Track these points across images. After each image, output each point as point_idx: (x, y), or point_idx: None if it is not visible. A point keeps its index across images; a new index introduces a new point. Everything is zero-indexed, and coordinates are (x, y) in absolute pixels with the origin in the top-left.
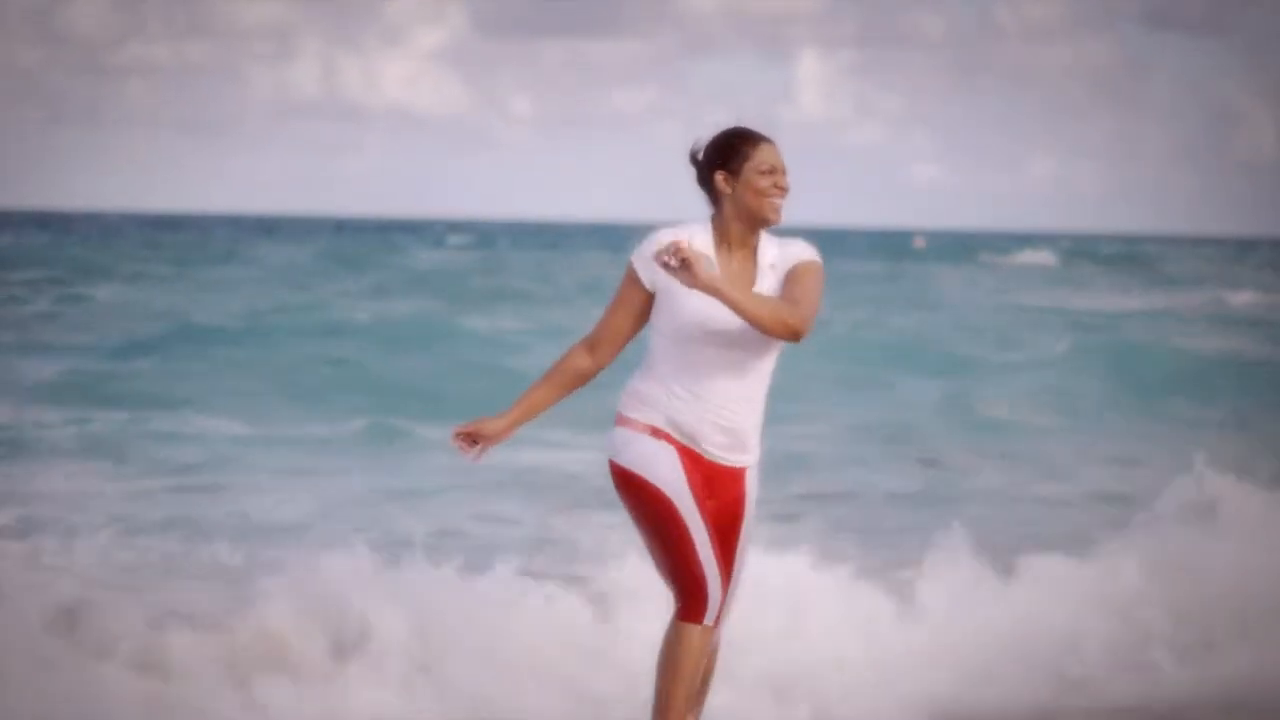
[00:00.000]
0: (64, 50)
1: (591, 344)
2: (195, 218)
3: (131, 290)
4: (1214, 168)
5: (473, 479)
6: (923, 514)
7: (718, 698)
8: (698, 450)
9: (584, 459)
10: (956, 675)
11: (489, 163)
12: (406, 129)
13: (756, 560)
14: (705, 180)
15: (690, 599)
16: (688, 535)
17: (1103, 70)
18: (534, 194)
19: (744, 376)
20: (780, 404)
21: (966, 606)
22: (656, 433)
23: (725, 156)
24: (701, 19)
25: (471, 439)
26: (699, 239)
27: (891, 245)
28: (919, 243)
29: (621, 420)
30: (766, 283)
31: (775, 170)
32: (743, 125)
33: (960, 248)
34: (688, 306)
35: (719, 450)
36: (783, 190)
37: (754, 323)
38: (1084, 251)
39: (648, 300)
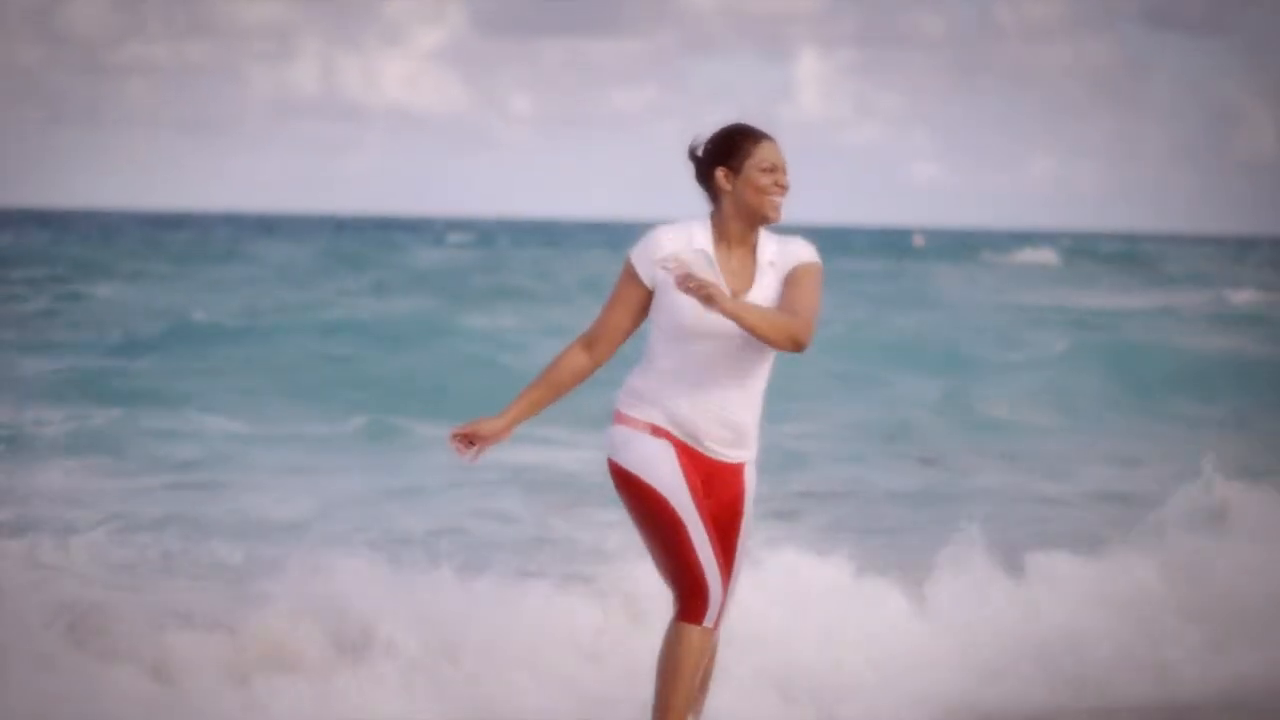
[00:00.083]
0: (64, 50)
1: (589, 341)
2: (195, 216)
3: (131, 288)
4: (1214, 167)
5: (472, 477)
6: (923, 513)
7: (718, 698)
8: (697, 447)
9: (583, 457)
10: (966, 674)
11: (489, 161)
12: (406, 128)
13: (756, 558)
14: (705, 176)
15: (690, 600)
16: (687, 536)
17: (1103, 70)
18: (534, 192)
19: (743, 372)
20: (780, 402)
21: (976, 605)
22: (656, 430)
23: (726, 153)
24: (701, 18)
25: (468, 440)
26: (698, 236)
27: (891, 244)
28: (919, 241)
29: (620, 418)
30: (765, 280)
31: (776, 168)
32: (744, 122)
33: (960, 246)
34: (687, 304)
35: (719, 446)
36: (783, 188)
37: (760, 338)
38: (1084, 250)
39: (646, 297)
